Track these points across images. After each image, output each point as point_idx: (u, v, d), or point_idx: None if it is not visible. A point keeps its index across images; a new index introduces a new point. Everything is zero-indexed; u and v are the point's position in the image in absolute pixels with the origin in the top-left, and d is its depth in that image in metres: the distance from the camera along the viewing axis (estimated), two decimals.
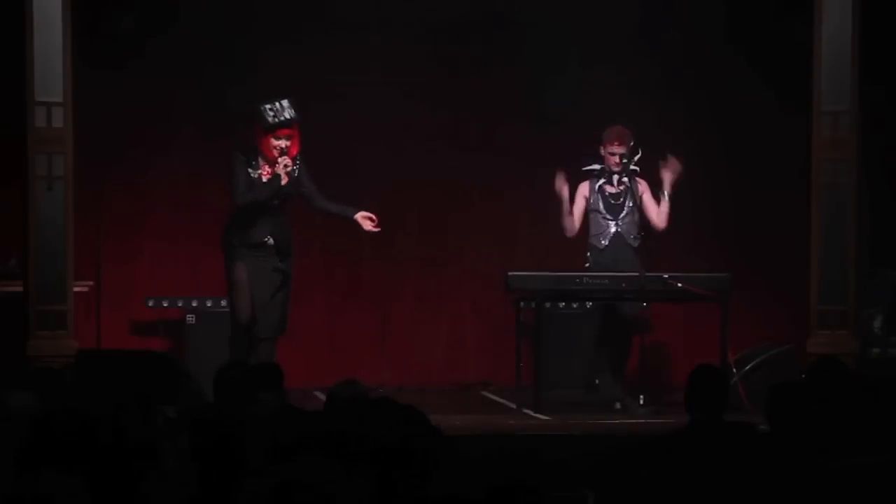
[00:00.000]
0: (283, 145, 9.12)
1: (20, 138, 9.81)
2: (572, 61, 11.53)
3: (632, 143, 9.73)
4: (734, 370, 9.58)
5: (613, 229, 9.78)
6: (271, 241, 9.16)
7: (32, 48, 9.69)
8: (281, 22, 11.26)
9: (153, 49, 11.10)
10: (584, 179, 9.86)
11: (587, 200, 9.82)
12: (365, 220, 9.41)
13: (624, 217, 9.79)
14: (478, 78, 11.60)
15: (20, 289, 9.94)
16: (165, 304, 10.97)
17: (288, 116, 9.08)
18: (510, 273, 9.56)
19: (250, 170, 9.13)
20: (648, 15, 11.33)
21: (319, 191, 9.40)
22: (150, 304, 11.01)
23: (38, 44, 9.69)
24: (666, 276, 9.47)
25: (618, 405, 9.60)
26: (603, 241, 9.78)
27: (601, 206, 9.79)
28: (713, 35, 11.45)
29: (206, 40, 11.12)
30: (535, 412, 9.37)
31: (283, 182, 9.06)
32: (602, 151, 9.80)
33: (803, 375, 7.93)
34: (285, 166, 9.03)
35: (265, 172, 9.14)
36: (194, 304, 10.80)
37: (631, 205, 9.77)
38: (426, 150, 11.60)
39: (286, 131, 9.16)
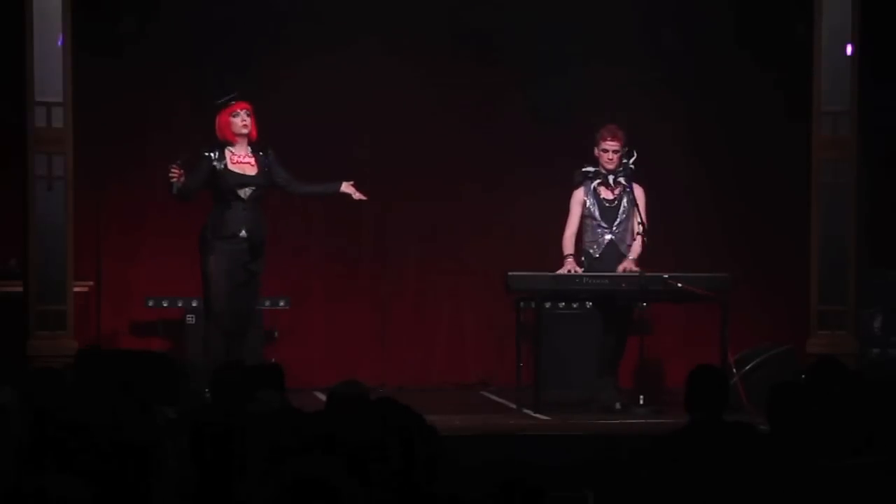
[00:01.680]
0: (242, 122, 9.27)
1: (20, 138, 9.82)
2: (574, 61, 11.52)
3: (626, 142, 9.66)
4: (734, 370, 9.57)
5: (608, 238, 9.70)
6: (245, 233, 9.19)
7: (32, 48, 9.70)
8: (281, 22, 11.26)
9: (153, 50, 11.11)
10: (578, 186, 9.78)
11: (583, 206, 9.74)
12: (351, 189, 9.45)
13: (619, 224, 9.69)
14: (479, 79, 11.60)
15: (20, 289, 9.95)
16: (165, 304, 10.96)
17: (236, 94, 9.31)
18: (510, 273, 9.55)
19: (216, 163, 9.20)
20: (650, 15, 11.33)
21: (296, 177, 9.45)
22: (150, 304, 11.01)
23: (38, 44, 9.71)
24: (666, 276, 9.45)
25: (618, 405, 9.58)
26: (597, 251, 9.71)
27: (596, 211, 9.69)
28: (714, 35, 11.45)
29: (208, 41, 11.12)
30: (535, 412, 9.36)
31: (173, 191, 9.11)
32: (596, 152, 9.73)
33: (803, 375, 7.93)
34: (171, 177, 9.09)
35: (231, 161, 9.22)
36: (194, 304, 10.78)
37: (626, 208, 9.68)
38: (426, 150, 11.60)
39: (241, 105, 9.29)
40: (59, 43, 9.72)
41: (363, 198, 9.52)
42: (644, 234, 9.52)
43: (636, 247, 9.64)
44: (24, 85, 9.74)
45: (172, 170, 9.11)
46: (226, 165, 9.22)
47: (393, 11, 11.38)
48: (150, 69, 11.15)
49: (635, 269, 9.53)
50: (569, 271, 9.58)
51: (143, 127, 11.24)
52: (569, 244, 9.68)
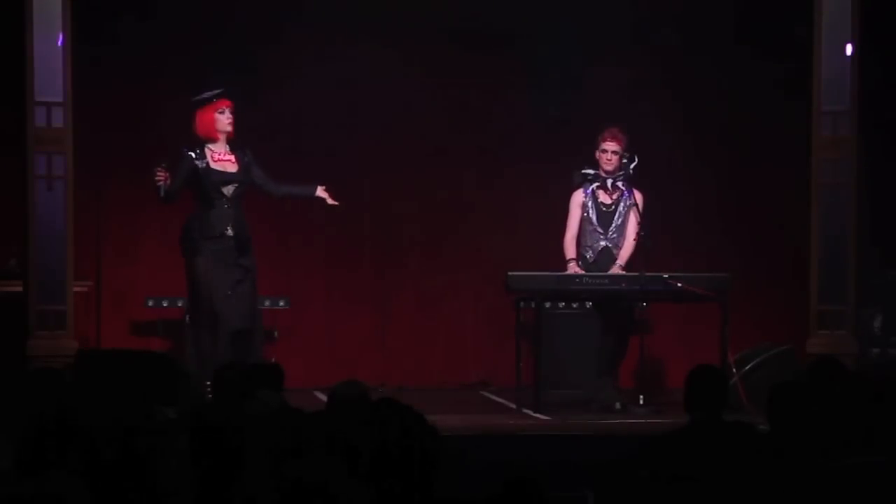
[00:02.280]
0: (227, 120, 9.25)
1: (20, 138, 9.82)
2: (575, 62, 11.51)
3: (627, 146, 9.65)
4: (734, 370, 9.57)
5: (602, 244, 9.70)
6: (231, 232, 9.17)
7: (32, 48, 9.70)
8: (282, 22, 11.27)
9: (153, 49, 11.12)
10: (578, 187, 9.78)
11: (582, 209, 9.74)
12: (325, 194, 9.44)
13: (614, 230, 9.70)
14: (479, 79, 11.60)
15: (20, 289, 9.94)
16: (165, 304, 10.96)
17: (219, 90, 9.29)
18: (510, 273, 9.55)
19: (197, 161, 9.18)
20: (650, 14, 11.33)
21: (272, 177, 9.43)
22: (150, 304, 11.01)
23: (38, 44, 9.71)
24: (666, 276, 9.45)
25: (618, 405, 9.58)
26: (592, 256, 9.71)
27: (593, 215, 9.70)
28: (714, 35, 11.45)
29: (208, 41, 11.12)
30: (535, 412, 9.36)
31: (161, 194, 9.09)
32: (596, 153, 9.73)
33: (803, 375, 7.93)
34: (157, 180, 9.06)
35: (213, 159, 9.20)
36: None
37: (622, 213, 9.67)
38: (426, 150, 11.60)
39: (225, 102, 9.28)
40: (59, 43, 9.72)
41: (335, 203, 9.48)
42: (640, 238, 9.51)
43: (624, 252, 9.64)
44: (24, 85, 9.74)
45: (158, 173, 9.07)
46: (208, 164, 9.20)
47: (393, 9, 11.37)
48: (150, 69, 11.15)
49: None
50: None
51: (144, 127, 11.23)
52: (570, 248, 9.69)
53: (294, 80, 11.25)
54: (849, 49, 10.09)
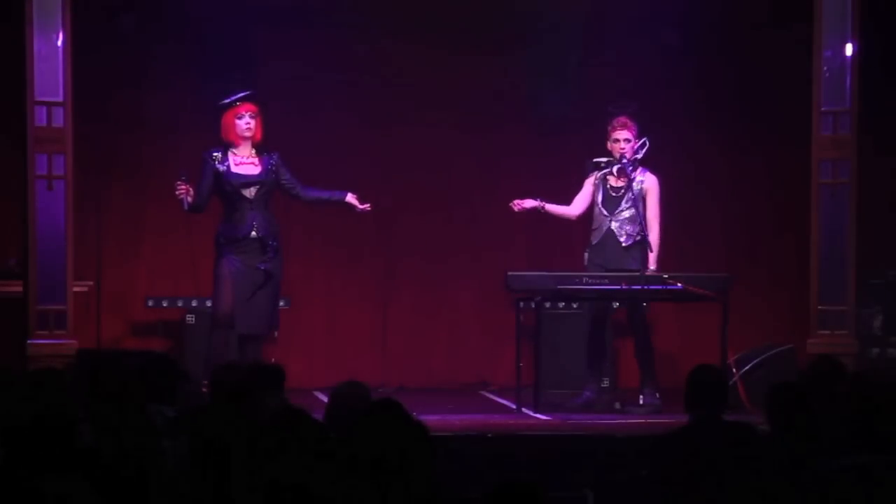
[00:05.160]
0: (246, 125, 9.24)
1: (20, 138, 9.82)
2: (573, 61, 11.51)
3: (639, 132, 9.65)
4: (734, 370, 9.57)
5: (607, 227, 9.69)
6: (255, 234, 9.18)
7: (32, 48, 9.70)
8: (282, 21, 11.26)
9: (154, 49, 11.12)
10: (591, 174, 9.80)
11: (593, 187, 9.76)
12: (355, 200, 9.45)
13: (620, 213, 9.69)
14: (479, 78, 11.59)
15: (20, 289, 9.94)
16: (165, 305, 10.96)
17: (243, 93, 9.27)
18: (510, 273, 9.55)
19: (218, 165, 9.17)
20: (649, 15, 11.33)
21: (302, 181, 9.43)
22: (150, 304, 11.01)
23: (38, 44, 9.71)
24: (666, 275, 9.45)
25: (617, 405, 9.59)
26: (596, 237, 9.72)
27: (600, 197, 9.70)
28: (714, 35, 11.45)
29: (209, 40, 11.12)
30: (535, 412, 9.36)
31: (185, 207, 9.11)
32: (608, 144, 9.72)
33: (803, 375, 7.94)
34: (178, 193, 9.07)
35: (234, 163, 9.20)
36: (194, 304, 10.79)
37: (631, 199, 9.65)
38: (426, 150, 11.60)
39: (246, 106, 9.27)
40: (59, 43, 9.72)
41: (367, 209, 9.50)
42: (642, 238, 9.51)
43: (654, 241, 9.58)
44: (24, 85, 9.74)
45: (179, 187, 9.07)
46: (228, 167, 9.20)
47: (394, 13, 11.37)
48: (150, 68, 11.15)
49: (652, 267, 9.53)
50: (531, 208, 9.62)
51: (144, 126, 11.24)
52: (556, 205, 9.69)
53: (294, 81, 11.25)
54: (849, 49, 10.09)
